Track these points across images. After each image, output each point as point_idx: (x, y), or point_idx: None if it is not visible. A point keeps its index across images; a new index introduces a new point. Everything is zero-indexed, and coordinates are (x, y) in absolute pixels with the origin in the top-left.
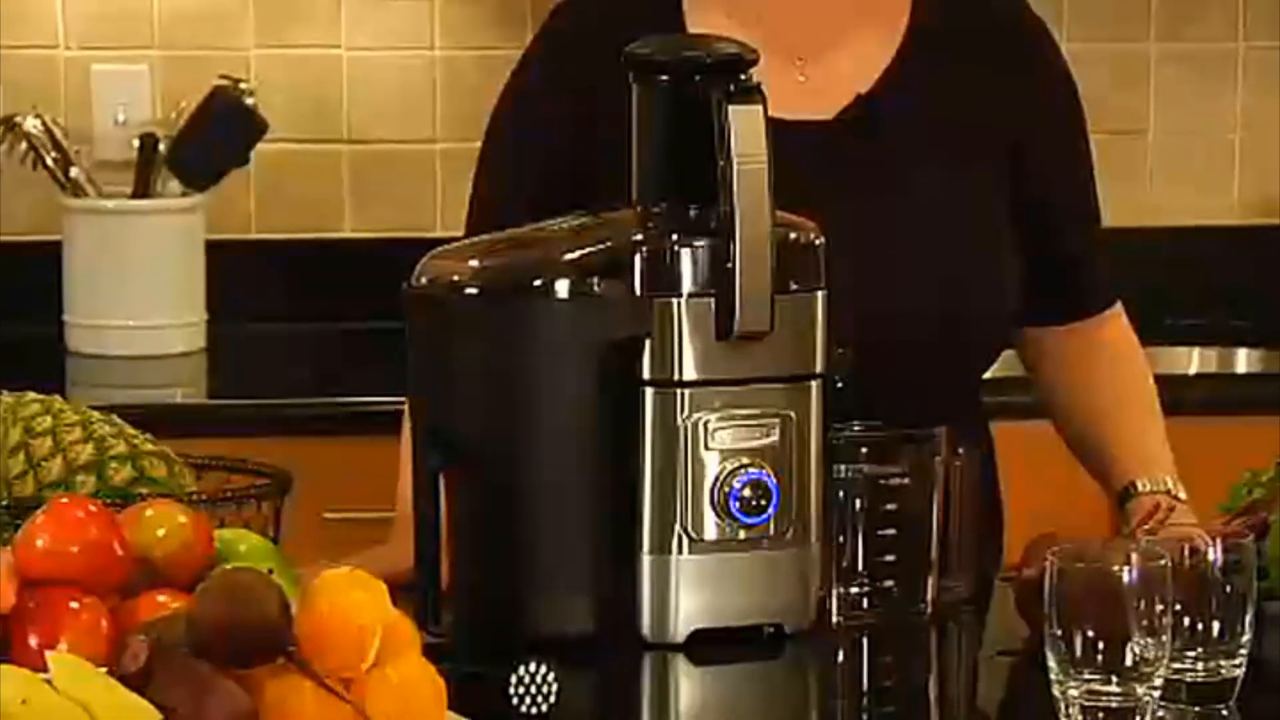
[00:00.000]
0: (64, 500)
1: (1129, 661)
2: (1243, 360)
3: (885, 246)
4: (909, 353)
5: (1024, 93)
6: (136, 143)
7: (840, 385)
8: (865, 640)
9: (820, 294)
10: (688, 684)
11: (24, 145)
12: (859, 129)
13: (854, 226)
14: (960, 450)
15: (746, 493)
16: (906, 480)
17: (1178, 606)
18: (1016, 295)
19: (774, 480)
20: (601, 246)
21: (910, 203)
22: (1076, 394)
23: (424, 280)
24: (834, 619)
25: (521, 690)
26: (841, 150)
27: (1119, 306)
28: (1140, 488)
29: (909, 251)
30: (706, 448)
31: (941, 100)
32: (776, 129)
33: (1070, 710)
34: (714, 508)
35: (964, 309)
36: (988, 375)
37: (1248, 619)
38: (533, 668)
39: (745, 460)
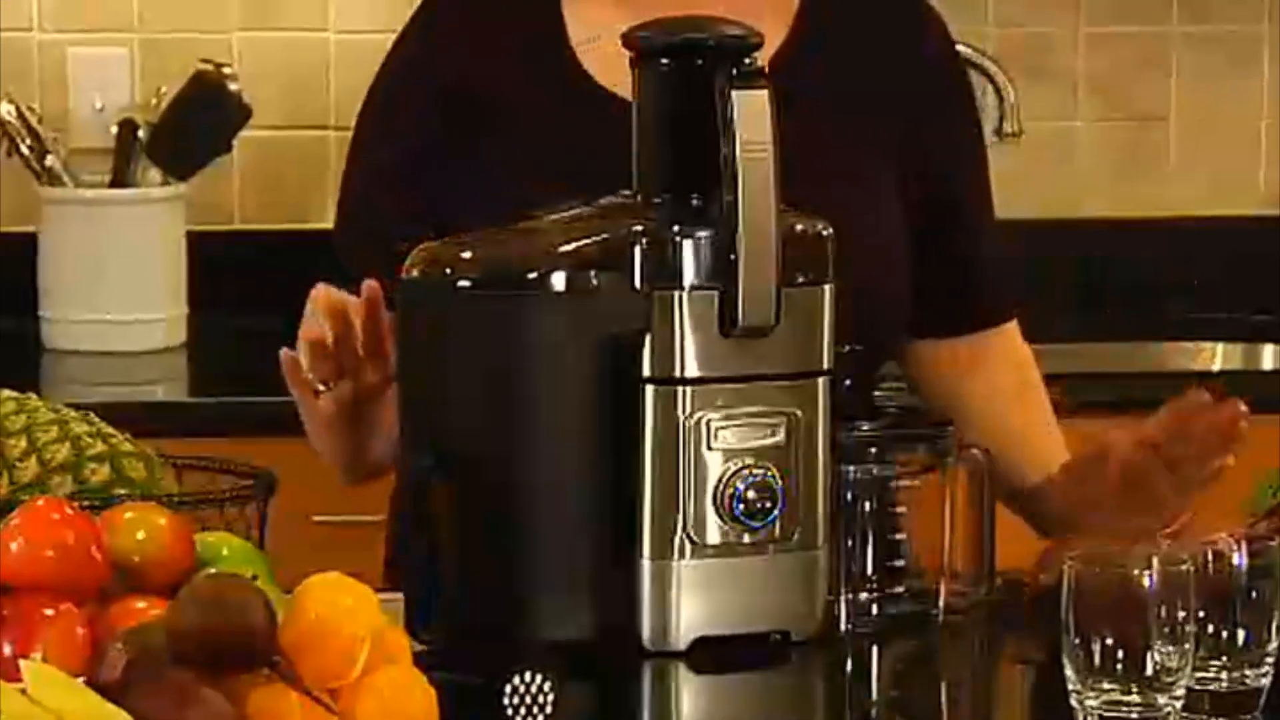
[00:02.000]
0: (39, 502)
1: (1150, 670)
2: (1269, 356)
3: None
4: None
5: (913, 79)
6: (115, 130)
7: (847, 384)
8: (875, 648)
9: (828, 288)
10: (689, 694)
11: None
12: None
13: None
14: (974, 450)
15: (751, 495)
16: (917, 482)
17: (1201, 613)
18: (910, 282)
19: (779, 482)
20: (600, 238)
21: (799, 187)
22: (975, 401)
23: (415, 272)
24: (842, 626)
25: (516, 700)
26: None
27: (1014, 323)
28: None
29: None
30: (709, 448)
31: (832, 83)
32: None
33: None
34: (717, 510)
35: (855, 287)
36: None
37: (1274, 626)
38: (528, 677)
39: (749, 461)
